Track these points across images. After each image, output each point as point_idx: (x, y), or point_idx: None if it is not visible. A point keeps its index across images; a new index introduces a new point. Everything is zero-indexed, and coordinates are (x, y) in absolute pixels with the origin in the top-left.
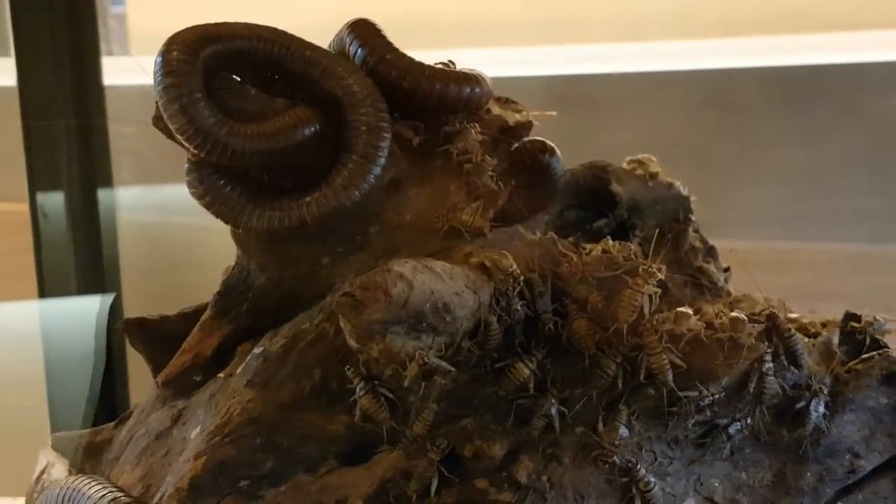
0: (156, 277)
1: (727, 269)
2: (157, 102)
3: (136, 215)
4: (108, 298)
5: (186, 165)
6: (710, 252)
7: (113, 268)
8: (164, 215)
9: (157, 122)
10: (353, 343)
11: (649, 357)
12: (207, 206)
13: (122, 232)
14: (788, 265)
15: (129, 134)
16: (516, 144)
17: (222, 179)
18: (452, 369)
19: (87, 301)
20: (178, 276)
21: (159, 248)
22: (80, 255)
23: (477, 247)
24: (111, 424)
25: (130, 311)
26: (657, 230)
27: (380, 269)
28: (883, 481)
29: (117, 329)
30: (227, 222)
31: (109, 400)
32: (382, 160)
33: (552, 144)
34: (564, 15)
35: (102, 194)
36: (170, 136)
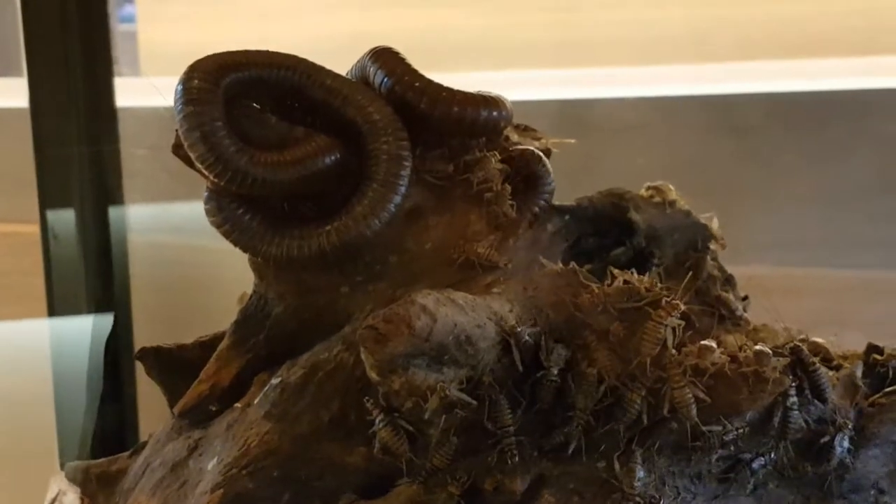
0: (167, 298)
1: (745, 298)
2: (177, 130)
3: (147, 236)
4: (106, 319)
5: (205, 194)
6: (729, 281)
7: (123, 288)
8: (175, 236)
9: (177, 150)
10: (374, 376)
11: (673, 391)
12: (226, 235)
13: (133, 252)
14: (804, 291)
15: (141, 156)
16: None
17: (241, 208)
18: (474, 402)
19: (96, 320)
20: (189, 297)
21: (170, 268)
22: (90, 276)
23: (497, 276)
24: (126, 454)
25: (140, 331)
26: (675, 258)
27: (403, 301)
28: None
29: (126, 351)
30: (245, 251)
31: (114, 422)
32: (403, 189)
33: (540, 153)
34: (580, 38)
35: (113, 214)
36: (190, 164)
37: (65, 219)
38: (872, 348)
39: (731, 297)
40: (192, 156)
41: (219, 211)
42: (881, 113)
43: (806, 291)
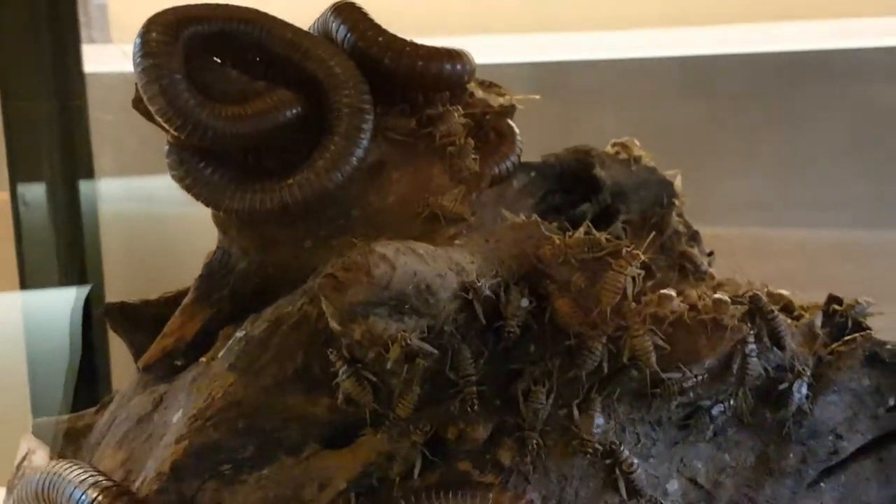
0: (138, 267)
1: (710, 254)
2: (136, 84)
3: (118, 205)
4: (84, 290)
5: (167, 147)
6: (694, 237)
7: (95, 258)
8: (146, 205)
9: (137, 104)
10: (335, 325)
11: (632, 339)
12: (188, 189)
13: (103, 222)
14: (772, 252)
15: (110, 122)
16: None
17: (203, 161)
18: (435, 352)
19: (68, 292)
20: (160, 266)
21: (142, 238)
22: (61, 245)
23: (461, 230)
24: (92, 410)
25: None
26: (641, 214)
27: (362, 249)
28: (866, 462)
29: (97, 318)
30: (207, 205)
31: (90, 389)
32: (365, 142)
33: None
34: (552, 2)
35: (84, 185)
36: (150, 118)
37: (35, 189)
38: (833, 299)
39: (695, 252)
40: (151, 109)
41: (180, 165)
42: (851, 74)
43: (775, 252)
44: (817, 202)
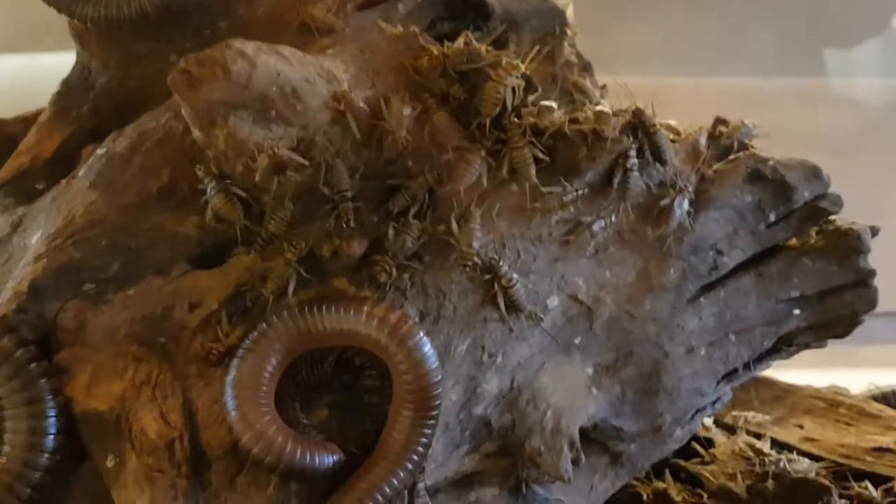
0: None
1: (603, 87)
2: None
3: None
4: None
5: None
6: (586, 67)
7: None
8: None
9: None
10: (196, 132)
11: (512, 151)
12: None
13: None
14: (668, 101)
15: None
16: None
17: None
18: (306, 163)
19: None
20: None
21: None
22: None
23: (335, 41)
24: None
25: None
26: (532, 44)
27: (219, 45)
28: (745, 278)
29: None
30: (60, 11)
31: None
32: None
33: None
34: None
35: None
36: None
37: None
38: (720, 121)
39: (587, 83)
40: None
41: None
42: None
43: (670, 101)
44: (714, 49)
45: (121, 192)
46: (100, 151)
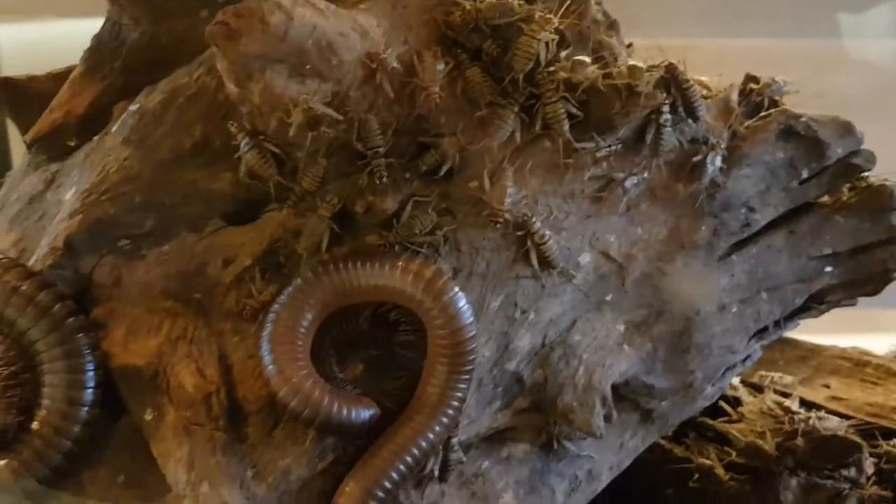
0: None
1: (630, 45)
2: None
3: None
4: None
5: None
6: (612, 25)
7: None
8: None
9: None
10: (231, 86)
11: (545, 106)
12: None
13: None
14: (692, 62)
15: None
16: None
17: None
18: (340, 117)
19: None
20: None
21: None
22: None
23: None
24: None
25: None
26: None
27: None
28: (777, 235)
29: None
30: None
31: None
32: None
33: None
34: None
35: None
36: None
37: None
38: (750, 78)
39: (614, 41)
40: None
41: None
42: None
43: (693, 63)
44: (739, 11)
45: (154, 148)
46: (132, 108)
